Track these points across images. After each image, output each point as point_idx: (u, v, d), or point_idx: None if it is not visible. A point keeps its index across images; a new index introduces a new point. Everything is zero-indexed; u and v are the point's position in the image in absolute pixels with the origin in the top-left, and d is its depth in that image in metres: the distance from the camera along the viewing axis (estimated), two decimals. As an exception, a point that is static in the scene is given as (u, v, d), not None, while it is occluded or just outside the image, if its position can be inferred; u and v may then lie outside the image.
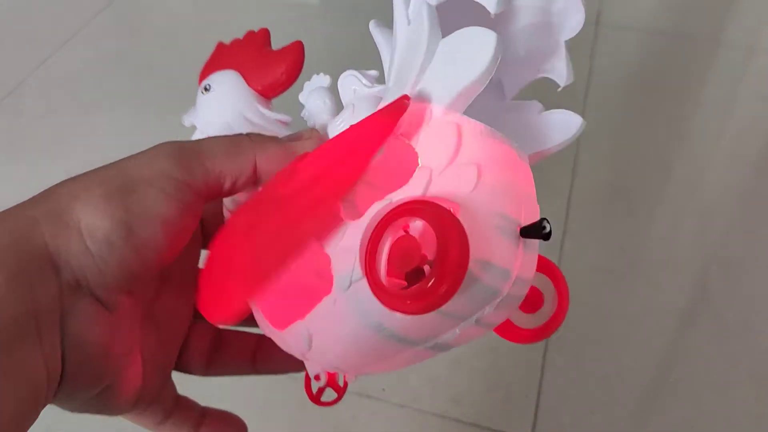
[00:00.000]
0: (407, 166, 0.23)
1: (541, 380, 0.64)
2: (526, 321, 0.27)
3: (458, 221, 0.20)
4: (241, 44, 0.34)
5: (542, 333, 0.26)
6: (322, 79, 0.31)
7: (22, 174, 0.81)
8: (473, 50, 0.23)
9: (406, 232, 0.21)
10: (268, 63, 0.32)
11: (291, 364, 0.26)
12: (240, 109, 0.31)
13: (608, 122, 0.91)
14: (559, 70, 0.28)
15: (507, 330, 0.27)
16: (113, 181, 0.22)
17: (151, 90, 0.93)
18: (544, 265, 0.26)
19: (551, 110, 0.28)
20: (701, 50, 1.04)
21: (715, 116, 0.93)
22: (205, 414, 0.29)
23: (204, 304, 0.25)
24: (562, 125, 0.27)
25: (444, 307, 0.20)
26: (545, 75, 0.28)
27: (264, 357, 0.30)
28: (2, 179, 0.81)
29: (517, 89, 0.29)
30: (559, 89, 0.28)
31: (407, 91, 0.24)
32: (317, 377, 0.27)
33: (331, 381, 0.28)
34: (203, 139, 0.24)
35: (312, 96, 0.30)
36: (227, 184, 0.24)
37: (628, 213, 0.79)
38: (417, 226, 0.21)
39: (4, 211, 0.22)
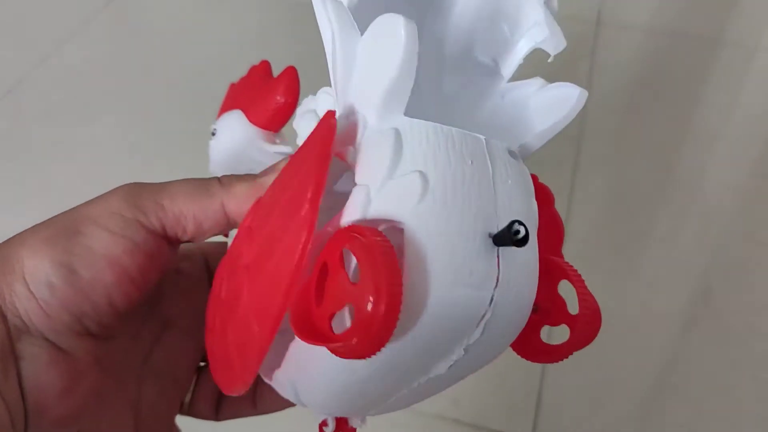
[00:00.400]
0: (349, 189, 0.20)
1: (541, 381, 0.64)
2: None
3: (381, 243, 0.17)
4: (244, 81, 0.33)
5: (562, 349, 0.24)
6: (310, 102, 0.28)
7: (20, 174, 0.81)
8: (387, 42, 0.20)
9: (341, 266, 0.18)
10: (264, 95, 0.30)
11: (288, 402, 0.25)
12: (242, 149, 0.30)
13: (609, 122, 0.91)
14: (544, 37, 0.25)
15: (525, 347, 0.24)
16: (60, 223, 0.22)
17: (149, 90, 0.93)
18: (557, 270, 0.23)
19: (548, 86, 0.25)
20: (702, 49, 1.04)
21: (716, 116, 0.93)
22: None
23: (216, 377, 0.24)
24: (559, 100, 0.24)
25: (412, 340, 0.18)
26: (535, 46, 0.25)
27: (262, 398, 0.30)
28: (0, 179, 0.81)
29: (513, 67, 0.26)
30: (550, 59, 0.25)
31: (339, 103, 0.22)
32: (325, 423, 0.25)
33: (341, 426, 0.26)
34: (170, 182, 0.23)
35: (302, 120, 0.28)
36: (190, 226, 0.23)
37: (628, 213, 0.79)
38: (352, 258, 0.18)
39: None
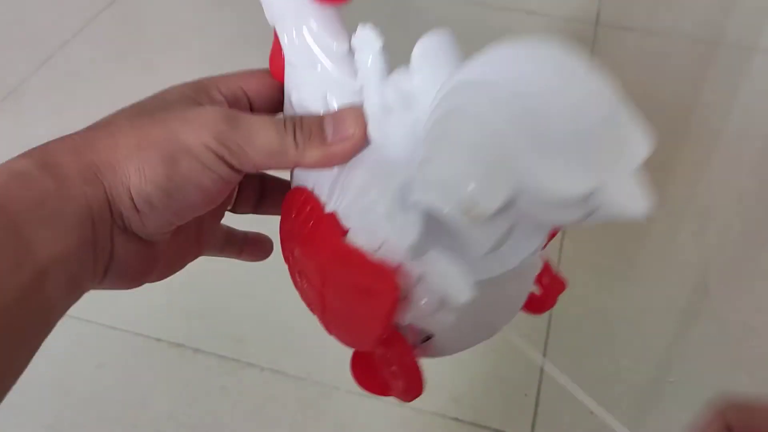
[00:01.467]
0: None
1: (540, 380, 0.64)
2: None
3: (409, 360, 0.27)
4: None
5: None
6: (370, 37, 0.27)
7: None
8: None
9: None
10: None
11: None
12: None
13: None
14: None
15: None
16: (162, 147, 0.25)
17: (153, 89, 0.94)
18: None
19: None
20: (701, 51, 1.05)
21: (714, 116, 0.93)
22: (245, 239, 0.35)
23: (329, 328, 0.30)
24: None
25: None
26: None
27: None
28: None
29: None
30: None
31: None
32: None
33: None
34: (255, 126, 0.26)
35: (361, 52, 0.27)
36: (261, 169, 0.27)
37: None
38: None
39: (71, 142, 0.26)
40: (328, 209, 0.27)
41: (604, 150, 0.21)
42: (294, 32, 0.28)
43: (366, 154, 0.27)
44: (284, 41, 0.29)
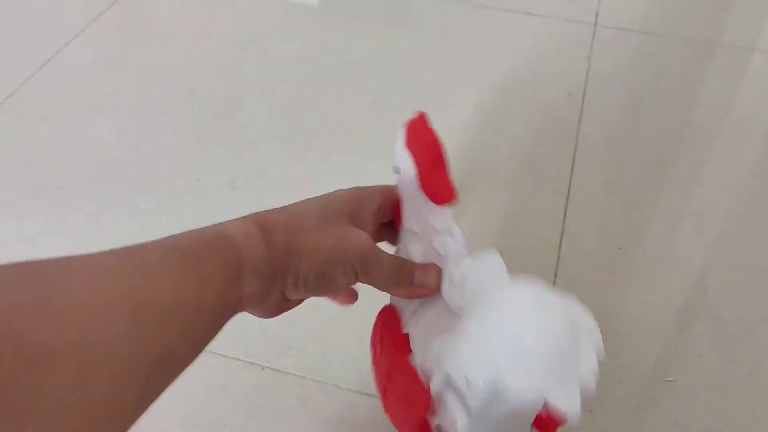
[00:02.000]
0: None
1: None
2: None
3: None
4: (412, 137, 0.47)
5: None
6: (458, 234, 0.44)
7: (24, 176, 0.82)
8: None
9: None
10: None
11: None
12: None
13: (606, 123, 0.92)
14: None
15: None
16: (330, 254, 0.38)
17: (154, 91, 0.94)
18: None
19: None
20: (698, 51, 1.05)
21: (713, 117, 0.94)
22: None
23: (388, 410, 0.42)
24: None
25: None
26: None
27: None
28: (4, 180, 0.81)
29: None
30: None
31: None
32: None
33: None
34: (383, 261, 0.41)
35: (451, 237, 0.44)
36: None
37: (626, 213, 0.80)
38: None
39: (284, 223, 0.37)
40: (405, 330, 0.43)
41: (559, 369, 0.35)
42: (414, 215, 0.45)
43: (437, 300, 0.42)
44: (407, 215, 0.45)
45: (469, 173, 0.83)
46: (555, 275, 0.72)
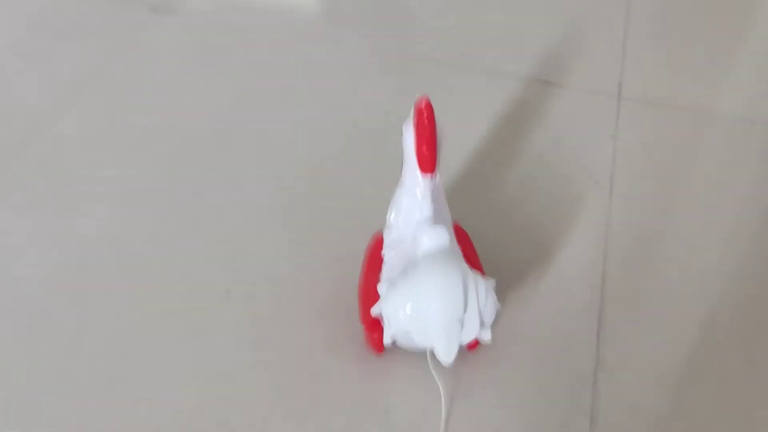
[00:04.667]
0: None
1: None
2: None
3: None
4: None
5: None
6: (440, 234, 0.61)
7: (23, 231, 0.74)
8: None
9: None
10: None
11: None
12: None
13: (636, 211, 0.84)
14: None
15: None
16: None
17: (146, 161, 0.86)
18: None
19: None
20: (727, 127, 0.98)
21: (742, 198, 0.86)
22: None
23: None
24: None
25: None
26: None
27: None
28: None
29: None
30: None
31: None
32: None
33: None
34: None
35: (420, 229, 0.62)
36: None
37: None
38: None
39: None
40: (383, 252, 0.66)
41: (447, 329, 0.58)
42: (408, 171, 0.63)
43: (402, 242, 0.64)
44: (406, 173, 0.63)
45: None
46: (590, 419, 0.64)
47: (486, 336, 0.61)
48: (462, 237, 0.68)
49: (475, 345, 0.64)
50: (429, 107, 0.57)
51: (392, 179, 0.66)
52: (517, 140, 0.93)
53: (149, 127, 0.94)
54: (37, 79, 1.00)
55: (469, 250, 0.69)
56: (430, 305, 0.57)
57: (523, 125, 0.95)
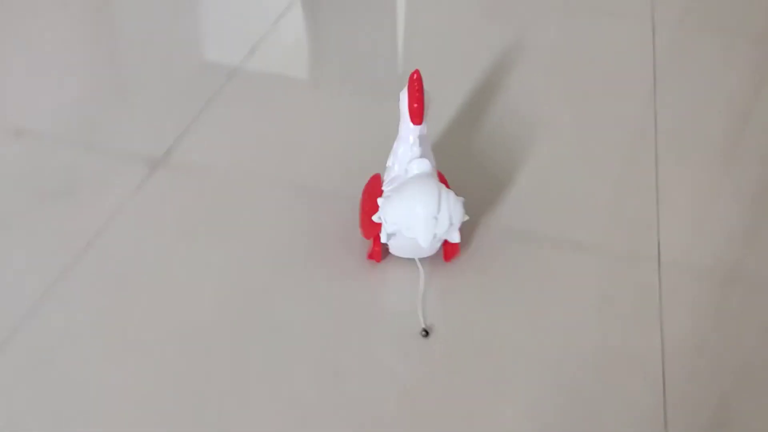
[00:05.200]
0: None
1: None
2: None
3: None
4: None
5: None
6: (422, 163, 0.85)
7: None
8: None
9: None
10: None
11: None
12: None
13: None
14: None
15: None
16: None
17: (140, 337, 0.77)
18: None
19: None
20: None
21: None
22: None
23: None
24: None
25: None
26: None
27: None
28: None
29: None
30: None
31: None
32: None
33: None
34: None
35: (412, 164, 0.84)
36: None
37: None
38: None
39: None
40: (383, 188, 0.87)
41: (428, 225, 0.80)
42: (403, 125, 0.87)
43: (398, 179, 0.86)
44: (402, 127, 0.87)
45: None
46: None
47: (455, 237, 0.83)
48: (441, 180, 0.88)
49: (450, 255, 0.88)
50: (419, 77, 0.82)
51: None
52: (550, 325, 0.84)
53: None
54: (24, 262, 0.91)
55: (446, 184, 0.88)
56: (415, 206, 0.79)
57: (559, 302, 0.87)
